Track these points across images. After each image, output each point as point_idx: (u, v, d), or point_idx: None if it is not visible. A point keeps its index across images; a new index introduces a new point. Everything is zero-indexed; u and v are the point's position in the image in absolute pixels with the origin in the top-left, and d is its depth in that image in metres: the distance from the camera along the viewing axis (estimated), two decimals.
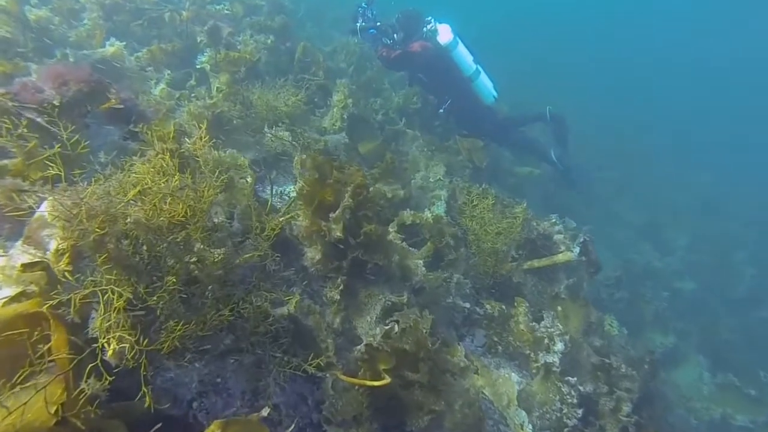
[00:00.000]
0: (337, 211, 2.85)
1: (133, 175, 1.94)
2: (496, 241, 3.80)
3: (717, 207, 11.33)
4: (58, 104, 2.33)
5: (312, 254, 3.11)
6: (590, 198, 9.64)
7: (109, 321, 1.58)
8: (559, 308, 3.80)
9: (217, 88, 5.23)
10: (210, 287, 2.02)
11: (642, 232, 10.06)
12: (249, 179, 3.36)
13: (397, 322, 2.93)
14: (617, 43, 27.55)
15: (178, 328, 1.81)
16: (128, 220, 1.82)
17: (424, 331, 2.74)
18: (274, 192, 4.45)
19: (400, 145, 6.06)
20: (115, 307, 1.59)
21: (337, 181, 2.92)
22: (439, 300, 3.86)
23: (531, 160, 8.11)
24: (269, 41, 6.25)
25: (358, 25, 6.09)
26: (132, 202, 1.95)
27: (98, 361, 1.62)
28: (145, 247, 1.95)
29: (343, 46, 7.79)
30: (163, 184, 1.96)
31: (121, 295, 1.65)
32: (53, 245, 1.84)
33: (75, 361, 1.59)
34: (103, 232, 1.74)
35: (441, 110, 6.12)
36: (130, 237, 1.92)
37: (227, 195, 3.24)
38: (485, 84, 6.14)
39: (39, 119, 2.41)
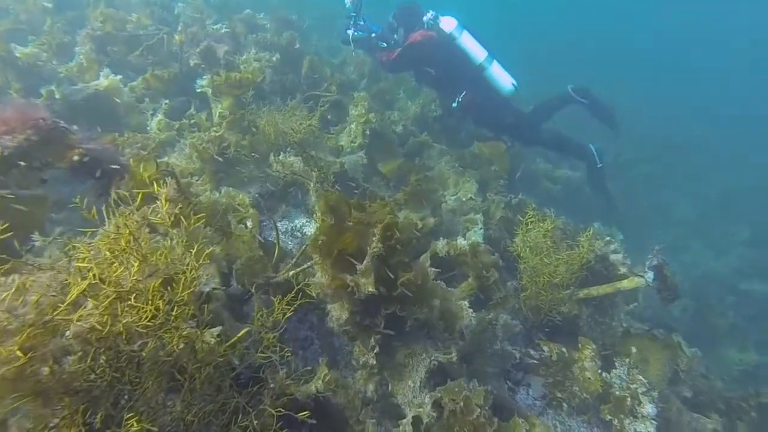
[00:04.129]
0: (364, 261, 2.29)
1: (78, 262, 1.42)
2: (555, 274, 3.17)
3: None
4: None
5: (338, 313, 2.56)
6: (629, 194, 8.85)
7: None
8: (634, 349, 3.13)
9: (220, 113, 4.77)
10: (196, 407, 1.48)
11: (693, 228, 9.19)
12: (250, 223, 2.83)
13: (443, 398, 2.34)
14: (643, 25, 26.18)
15: None
16: (66, 333, 1.29)
17: (478, 411, 2.16)
18: (285, 228, 3.94)
19: (425, 160, 5.47)
20: None
21: (359, 222, 2.36)
22: (484, 347, 3.25)
23: (566, 161, 7.45)
24: (275, 59, 5.77)
25: (351, 35, 5.49)
26: (82, 299, 1.43)
27: None
28: (104, 358, 1.43)
29: (353, 57, 7.28)
30: (121, 274, 1.43)
31: None
32: None
33: None
34: (26, 357, 1.22)
35: (454, 104, 5.41)
36: (86, 343, 1.41)
37: (224, 244, 2.73)
38: (499, 73, 5.41)
39: None
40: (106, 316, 1.38)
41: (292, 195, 4.26)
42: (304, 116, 4.56)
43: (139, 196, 1.67)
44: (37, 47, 4.77)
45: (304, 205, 4.24)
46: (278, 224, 4.00)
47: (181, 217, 1.74)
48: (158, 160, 2.78)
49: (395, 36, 5.52)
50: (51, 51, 4.91)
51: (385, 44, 5.47)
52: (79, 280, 1.38)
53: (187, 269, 1.59)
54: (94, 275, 1.38)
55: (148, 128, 4.54)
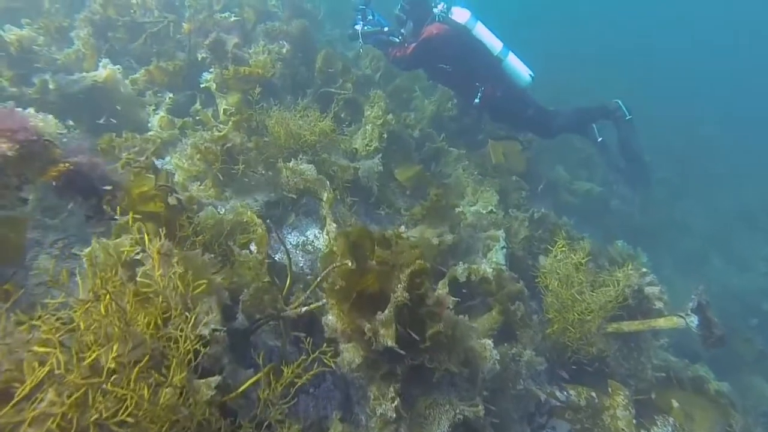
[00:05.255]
0: (386, 311, 1.99)
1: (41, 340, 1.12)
2: (587, 312, 2.86)
3: None
4: None
5: (350, 356, 2.27)
6: (644, 203, 8.50)
7: None
8: (675, 404, 2.84)
9: (225, 110, 4.44)
10: None
11: (711, 241, 8.84)
12: (254, 247, 2.53)
13: None
14: (659, 25, 25.47)
15: None
16: None
17: None
18: (296, 242, 3.64)
19: (441, 166, 5.14)
20: None
21: (383, 262, 2.06)
22: (506, 387, 2.96)
23: (589, 173, 7.12)
24: (284, 50, 5.42)
25: (360, 29, 5.13)
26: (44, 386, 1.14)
27: None
28: None
29: (361, 53, 6.88)
30: (94, 354, 1.14)
31: None
32: None
33: None
34: None
35: (476, 100, 5.08)
36: None
37: (227, 271, 2.43)
38: (516, 64, 5.11)
39: None
40: (71, 412, 1.08)
41: (303, 203, 3.95)
42: (316, 117, 4.22)
43: (125, 250, 1.36)
44: (33, 31, 4.43)
45: (316, 213, 3.94)
46: (288, 236, 3.70)
47: (178, 280, 1.44)
48: (158, 173, 2.47)
49: (402, 31, 5.16)
50: (49, 36, 4.57)
51: (397, 39, 5.11)
52: (37, 365, 1.08)
53: (181, 338, 1.29)
54: (57, 360, 1.08)
55: (150, 125, 4.22)
